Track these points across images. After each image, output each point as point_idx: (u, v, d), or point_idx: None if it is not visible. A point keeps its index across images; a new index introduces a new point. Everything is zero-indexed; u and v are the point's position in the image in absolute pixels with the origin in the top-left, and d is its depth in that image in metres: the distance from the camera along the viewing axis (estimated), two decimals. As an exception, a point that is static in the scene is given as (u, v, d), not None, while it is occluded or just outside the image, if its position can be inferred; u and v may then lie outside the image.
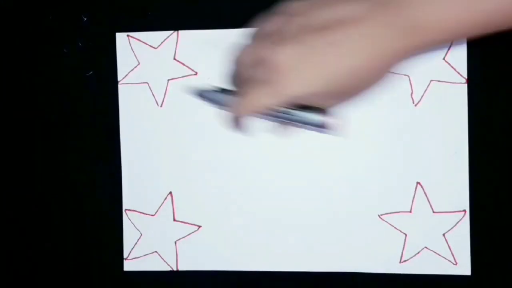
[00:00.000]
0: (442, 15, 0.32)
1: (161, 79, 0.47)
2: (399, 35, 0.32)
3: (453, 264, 0.45)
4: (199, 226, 0.47)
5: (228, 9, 0.46)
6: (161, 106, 0.47)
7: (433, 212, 0.45)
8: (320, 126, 0.35)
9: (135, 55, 0.47)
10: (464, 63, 0.44)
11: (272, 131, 0.41)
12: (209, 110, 0.47)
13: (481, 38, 0.44)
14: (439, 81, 0.45)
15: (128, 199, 0.48)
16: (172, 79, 0.47)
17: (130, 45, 0.47)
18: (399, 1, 0.32)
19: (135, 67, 0.47)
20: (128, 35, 0.47)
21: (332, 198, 0.46)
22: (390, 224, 0.46)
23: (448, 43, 0.32)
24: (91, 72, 0.47)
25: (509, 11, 0.32)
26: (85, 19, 0.47)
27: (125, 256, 0.48)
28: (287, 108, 0.37)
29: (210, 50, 0.46)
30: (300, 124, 0.37)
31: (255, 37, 0.38)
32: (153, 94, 0.47)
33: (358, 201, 0.45)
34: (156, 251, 0.47)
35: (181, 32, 0.46)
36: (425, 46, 0.33)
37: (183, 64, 0.46)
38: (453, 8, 0.32)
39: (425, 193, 0.45)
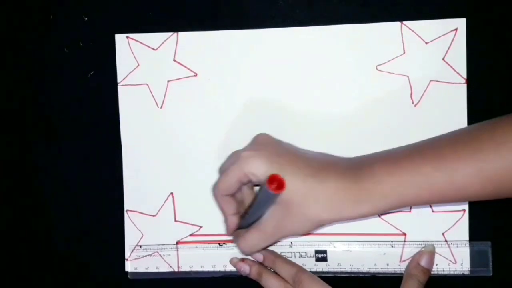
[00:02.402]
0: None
1: (160, 81, 0.47)
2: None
3: (453, 263, 0.45)
4: (200, 227, 0.47)
5: (227, 11, 0.46)
6: (161, 108, 0.47)
7: (433, 211, 0.45)
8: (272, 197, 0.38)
9: (134, 56, 0.47)
10: (464, 64, 0.44)
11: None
12: (209, 111, 0.47)
13: (481, 39, 0.44)
14: (438, 81, 0.45)
15: (129, 200, 0.48)
16: (172, 80, 0.47)
17: (130, 46, 0.47)
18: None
19: (135, 68, 0.47)
20: (127, 37, 0.47)
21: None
22: (390, 224, 0.46)
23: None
24: (93, 72, 0.47)
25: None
26: (86, 19, 0.47)
27: (126, 256, 0.48)
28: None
29: (210, 51, 0.46)
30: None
31: None
32: (153, 96, 0.47)
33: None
34: (157, 252, 0.48)
35: (180, 33, 0.46)
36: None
37: (183, 66, 0.46)
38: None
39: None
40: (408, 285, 0.42)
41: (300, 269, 0.44)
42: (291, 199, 0.38)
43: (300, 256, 0.46)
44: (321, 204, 0.38)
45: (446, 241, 0.45)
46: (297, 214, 0.39)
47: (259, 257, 0.45)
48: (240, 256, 0.46)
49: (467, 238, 0.45)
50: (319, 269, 0.46)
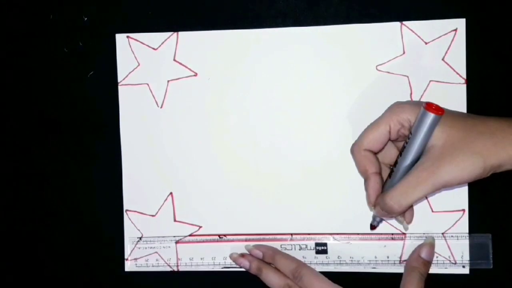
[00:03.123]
0: None
1: (161, 80, 0.47)
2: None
3: (452, 262, 0.45)
4: (200, 227, 0.47)
5: (227, 10, 0.46)
6: (161, 107, 0.47)
7: (432, 211, 0.45)
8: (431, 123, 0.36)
9: (135, 56, 0.47)
10: (463, 64, 0.45)
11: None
12: (209, 112, 0.47)
13: (480, 39, 0.45)
14: (438, 81, 0.45)
15: (128, 200, 0.48)
16: (172, 80, 0.47)
17: (130, 46, 0.47)
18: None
19: (135, 68, 0.47)
20: (128, 36, 0.47)
21: (333, 199, 0.46)
22: (390, 224, 0.46)
23: None
24: (92, 72, 0.47)
25: None
26: (86, 19, 0.47)
27: (125, 256, 0.48)
28: None
29: (210, 51, 0.46)
30: None
31: None
32: (153, 95, 0.47)
33: (358, 200, 0.45)
34: (156, 252, 0.48)
35: (180, 33, 0.46)
36: None
37: (183, 65, 0.47)
38: None
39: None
40: (410, 278, 0.42)
41: (300, 264, 0.44)
42: (452, 136, 0.35)
43: (300, 248, 0.46)
44: (484, 138, 0.34)
45: (445, 241, 0.45)
46: (460, 150, 0.34)
47: (258, 253, 0.45)
48: (239, 251, 0.46)
49: (467, 238, 0.45)
50: (319, 261, 0.46)
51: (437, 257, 0.45)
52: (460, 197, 0.45)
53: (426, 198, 0.45)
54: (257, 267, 0.45)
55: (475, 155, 0.35)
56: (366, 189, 0.41)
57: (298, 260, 0.44)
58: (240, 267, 0.46)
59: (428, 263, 0.43)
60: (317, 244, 0.46)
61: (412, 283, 0.41)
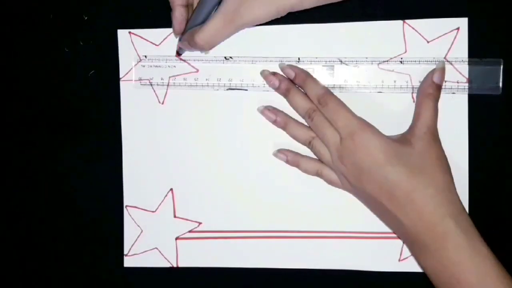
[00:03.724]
0: None
1: (162, 76, 0.47)
2: None
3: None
4: (200, 223, 0.47)
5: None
6: (162, 103, 0.47)
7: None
8: None
9: (136, 52, 0.47)
10: (466, 68, 0.44)
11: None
12: (210, 108, 0.47)
13: (482, 38, 0.44)
14: (439, 80, 0.45)
15: (129, 196, 0.48)
16: (173, 76, 0.47)
17: (132, 42, 0.47)
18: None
19: (137, 64, 0.47)
20: (129, 32, 0.47)
21: (331, 197, 0.46)
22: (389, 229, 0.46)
23: None
24: (93, 72, 0.48)
25: None
26: (86, 18, 0.47)
27: (125, 252, 0.48)
28: None
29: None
30: None
31: None
32: (154, 91, 0.47)
33: (357, 199, 0.45)
34: (156, 248, 0.48)
35: (182, 29, 0.46)
36: None
37: (185, 61, 0.47)
38: None
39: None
40: (426, 105, 0.42)
41: (328, 91, 0.43)
42: None
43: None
44: None
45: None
46: None
47: (291, 73, 0.44)
48: (240, 251, 0.46)
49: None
50: (319, 266, 0.46)
51: (445, 81, 0.44)
52: (460, 196, 0.45)
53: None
54: (286, 88, 0.44)
55: (268, 1, 0.39)
56: (172, 19, 0.43)
57: (327, 88, 0.44)
58: (267, 85, 0.46)
59: (440, 87, 0.43)
60: (324, 67, 0.46)
61: (426, 110, 0.42)
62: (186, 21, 0.43)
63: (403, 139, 0.42)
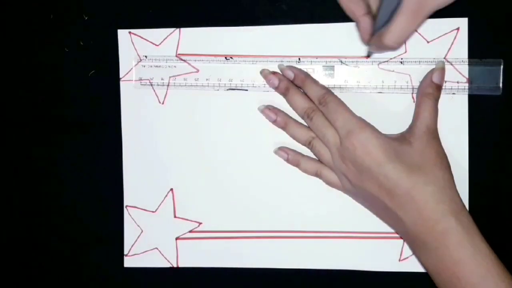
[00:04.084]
0: None
1: (162, 76, 0.47)
2: None
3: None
4: (200, 223, 0.47)
5: (230, 7, 0.46)
6: (162, 103, 0.47)
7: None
8: None
9: (137, 52, 0.47)
10: (466, 69, 0.44)
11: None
12: (210, 108, 0.47)
13: (482, 38, 0.45)
14: (440, 80, 0.45)
15: (129, 196, 0.48)
16: (173, 76, 0.47)
17: (132, 42, 0.47)
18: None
19: (137, 64, 0.47)
20: (130, 32, 0.47)
21: (331, 197, 0.46)
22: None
23: None
24: (93, 72, 0.47)
25: None
26: (86, 18, 0.47)
27: (125, 252, 0.48)
28: None
29: (212, 48, 0.46)
30: None
31: None
32: (154, 92, 0.47)
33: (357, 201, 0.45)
34: (156, 248, 0.48)
35: (183, 29, 0.46)
36: None
37: (185, 61, 0.47)
38: None
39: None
40: (425, 104, 0.42)
41: (328, 91, 0.43)
42: None
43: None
44: None
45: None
46: None
47: (290, 73, 0.45)
48: (240, 249, 0.46)
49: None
50: (319, 266, 0.46)
51: (446, 81, 0.44)
52: (460, 196, 0.45)
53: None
54: (285, 87, 0.44)
55: None
56: (358, 31, 0.42)
57: (327, 88, 0.44)
58: (268, 85, 0.46)
59: (440, 87, 0.43)
60: (324, 68, 0.46)
61: (426, 109, 0.42)
62: (372, 28, 0.41)
63: (403, 138, 0.42)
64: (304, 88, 0.44)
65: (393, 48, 0.39)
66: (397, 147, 0.40)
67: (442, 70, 0.43)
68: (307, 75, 0.45)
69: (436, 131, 0.42)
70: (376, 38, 0.40)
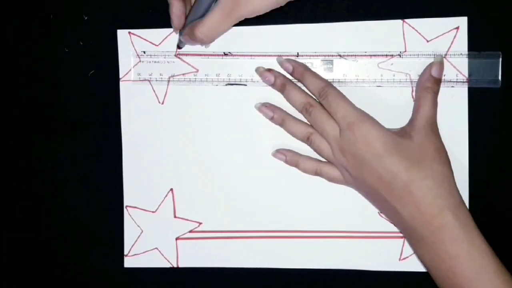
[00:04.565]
0: None
1: (162, 76, 0.47)
2: None
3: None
4: (200, 223, 0.47)
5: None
6: (162, 103, 0.47)
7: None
8: None
9: (136, 52, 0.47)
10: (465, 62, 0.45)
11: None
12: (210, 108, 0.47)
13: (482, 37, 0.45)
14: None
15: (129, 196, 0.48)
16: (173, 76, 0.47)
17: (132, 42, 0.47)
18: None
19: (136, 64, 0.47)
20: (129, 32, 0.47)
21: (331, 196, 0.46)
22: (390, 222, 0.46)
23: None
24: (93, 71, 0.48)
25: None
26: (86, 18, 0.47)
27: (125, 252, 0.48)
28: None
29: (211, 48, 0.46)
30: None
31: None
32: (154, 91, 0.47)
33: (358, 199, 0.45)
34: (156, 248, 0.48)
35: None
36: None
37: (184, 61, 0.47)
38: None
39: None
40: (424, 98, 0.42)
41: (328, 84, 0.43)
42: None
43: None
44: None
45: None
46: None
47: (289, 66, 0.44)
48: (240, 249, 0.46)
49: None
50: (319, 266, 0.46)
51: (444, 74, 0.44)
52: (460, 191, 0.45)
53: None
54: (282, 83, 0.44)
55: None
56: (170, 14, 0.42)
57: (327, 80, 0.44)
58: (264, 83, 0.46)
59: (439, 81, 0.43)
60: (323, 62, 0.46)
61: (425, 103, 0.42)
62: (185, 16, 0.42)
63: (403, 132, 0.42)
64: (303, 81, 0.44)
65: (203, 41, 0.41)
66: (397, 140, 0.40)
67: (441, 64, 0.43)
68: (306, 68, 0.44)
69: (435, 124, 0.42)
70: (188, 29, 0.41)
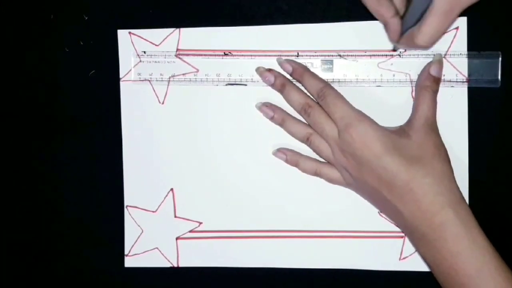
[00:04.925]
0: None
1: (162, 76, 0.47)
2: None
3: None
4: (200, 223, 0.47)
5: (229, 7, 0.46)
6: (162, 103, 0.47)
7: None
8: None
9: (137, 52, 0.47)
10: (465, 62, 0.45)
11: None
12: (210, 108, 0.47)
13: (482, 37, 0.45)
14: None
15: (129, 196, 0.48)
16: (173, 76, 0.47)
17: (132, 42, 0.47)
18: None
19: (137, 64, 0.47)
20: (129, 32, 0.47)
21: (331, 196, 0.46)
22: (390, 221, 0.46)
23: None
24: (93, 71, 0.48)
25: None
26: (86, 18, 0.47)
27: (126, 252, 0.48)
28: None
29: (212, 48, 0.46)
30: None
31: None
32: (154, 91, 0.47)
33: (358, 198, 0.45)
34: (157, 248, 0.48)
35: (183, 29, 0.46)
36: None
37: (185, 61, 0.47)
38: None
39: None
40: (423, 97, 0.42)
41: (327, 85, 0.43)
42: None
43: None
44: None
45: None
46: None
47: (288, 67, 0.45)
48: (241, 250, 0.46)
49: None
50: (319, 266, 0.46)
51: (444, 74, 0.45)
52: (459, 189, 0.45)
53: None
54: (281, 83, 0.44)
55: None
56: (387, 32, 0.42)
57: (326, 81, 0.44)
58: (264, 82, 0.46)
59: (438, 80, 0.43)
60: (323, 62, 0.46)
61: (424, 102, 0.42)
62: (401, 28, 0.41)
63: (401, 131, 0.42)
64: (303, 82, 0.44)
65: (425, 47, 0.39)
66: (396, 140, 0.41)
67: (440, 62, 0.43)
68: (305, 69, 0.45)
69: (435, 123, 0.42)
70: (406, 38, 0.40)
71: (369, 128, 0.41)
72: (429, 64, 0.43)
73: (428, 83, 0.42)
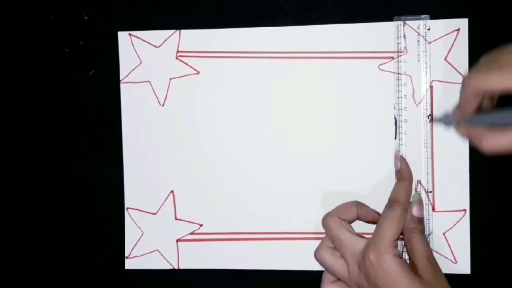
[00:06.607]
0: None
1: (163, 78, 0.47)
2: None
3: (453, 262, 0.45)
4: (201, 225, 0.47)
5: (230, 8, 0.46)
6: (163, 105, 0.47)
7: (434, 211, 0.46)
8: None
9: (137, 54, 0.47)
10: (466, 64, 0.45)
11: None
12: (211, 110, 0.47)
13: (483, 39, 0.45)
14: (440, 81, 0.45)
15: (130, 198, 0.48)
16: (174, 78, 0.47)
17: (132, 44, 0.47)
18: None
19: (137, 66, 0.47)
20: (130, 34, 0.47)
21: (332, 199, 0.46)
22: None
23: None
24: (93, 72, 0.47)
25: None
26: (86, 18, 0.47)
27: (126, 254, 0.48)
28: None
29: (212, 49, 0.46)
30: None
31: None
32: (155, 93, 0.47)
33: (358, 199, 0.45)
34: (157, 250, 0.48)
35: (183, 31, 0.46)
36: None
37: (185, 63, 0.46)
38: None
39: (426, 192, 0.45)
40: (415, 239, 0.42)
41: (419, 228, 0.42)
42: None
43: None
44: None
45: (447, 241, 0.45)
46: None
47: (397, 165, 0.45)
48: (240, 251, 0.46)
49: (468, 238, 0.45)
50: (320, 267, 0.46)
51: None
52: (461, 197, 0.45)
53: (428, 198, 0.45)
54: (400, 176, 0.44)
55: None
56: (456, 110, 0.42)
57: (422, 222, 0.43)
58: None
59: (422, 219, 0.43)
60: None
61: (417, 243, 0.42)
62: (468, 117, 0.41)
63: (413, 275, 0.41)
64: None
65: (484, 152, 0.39)
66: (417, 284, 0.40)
67: (420, 202, 0.44)
68: (408, 179, 0.44)
69: (435, 260, 0.42)
70: (472, 130, 0.40)
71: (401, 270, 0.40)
72: (411, 205, 0.43)
73: (414, 225, 0.42)
